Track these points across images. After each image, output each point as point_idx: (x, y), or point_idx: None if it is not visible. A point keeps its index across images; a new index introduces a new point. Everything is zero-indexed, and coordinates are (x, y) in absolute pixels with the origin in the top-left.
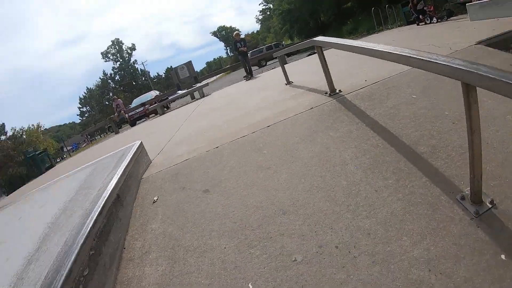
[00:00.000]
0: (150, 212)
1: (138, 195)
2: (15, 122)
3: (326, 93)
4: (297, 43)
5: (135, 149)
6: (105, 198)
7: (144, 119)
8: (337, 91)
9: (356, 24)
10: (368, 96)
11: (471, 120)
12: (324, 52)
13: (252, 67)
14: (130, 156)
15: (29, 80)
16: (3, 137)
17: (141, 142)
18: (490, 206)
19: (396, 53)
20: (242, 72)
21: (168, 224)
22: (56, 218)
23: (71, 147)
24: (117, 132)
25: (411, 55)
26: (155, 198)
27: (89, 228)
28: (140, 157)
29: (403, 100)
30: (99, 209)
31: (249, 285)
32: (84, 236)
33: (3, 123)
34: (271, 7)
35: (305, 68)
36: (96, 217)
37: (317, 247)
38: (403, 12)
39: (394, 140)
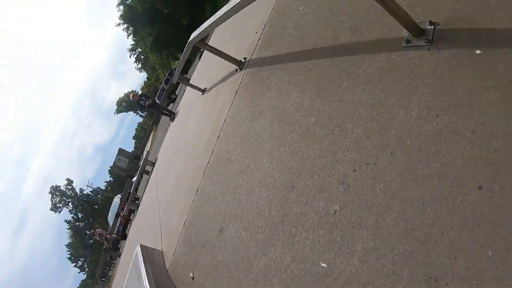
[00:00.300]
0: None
1: (176, 284)
2: None
3: (236, 70)
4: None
5: (141, 256)
6: None
7: (129, 225)
8: (243, 60)
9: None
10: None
11: None
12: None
13: (168, 106)
14: (143, 265)
15: None
16: None
17: (139, 244)
18: (432, 27)
19: None
20: (166, 118)
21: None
22: None
23: None
24: (119, 256)
25: None
26: (191, 275)
27: None
28: (151, 255)
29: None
30: None
31: None
32: None
33: None
34: (140, 50)
35: (206, 67)
36: None
37: None
38: None
39: None
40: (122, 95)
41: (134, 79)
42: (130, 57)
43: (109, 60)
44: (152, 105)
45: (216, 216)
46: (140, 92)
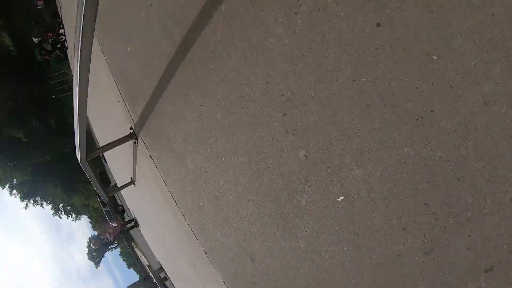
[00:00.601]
0: None
1: None
2: None
3: (135, 142)
4: None
5: None
6: None
7: None
8: (130, 130)
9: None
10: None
11: None
12: None
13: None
14: None
15: None
16: None
17: None
18: None
19: None
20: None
21: None
22: None
23: None
24: None
25: None
26: None
27: None
28: None
29: None
30: None
31: None
32: None
33: None
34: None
35: (115, 162)
36: None
37: None
38: None
39: None
40: (86, 250)
41: (81, 227)
42: (60, 217)
43: (47, 239)
44: (116, 235)
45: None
46: (96, 234)
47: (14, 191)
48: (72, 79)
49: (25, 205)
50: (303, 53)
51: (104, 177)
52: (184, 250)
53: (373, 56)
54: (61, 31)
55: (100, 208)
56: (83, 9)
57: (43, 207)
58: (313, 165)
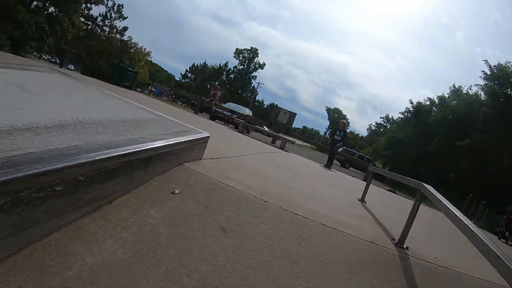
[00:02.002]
0: (161, 198)
1: (166, 175)
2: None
3: (393, 239)
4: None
5: (199, 136)
6: (138, 149)
7: (224, 123)
8: (405, 246)
9: (446, 197)
10: (430, 275)
11: None
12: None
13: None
14: (190, 138)
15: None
16: (118, 36)
17: (209, 136)
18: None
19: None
20: (322, 156)
21: (165, 225)
22: (88, 122)
23: (155, 90)
24: (196, 113)
25: None
26: (177, 191)
27: (98, 158)
28: (196, 147)
29: None
30: (126, 152)
31: None
32: (89, 159)
33: (127, 27)
34: (388, 127)
35: (383, 200)
36: (118, 155)
37: None
38: (492, 217)
39: None
40: (344, 113)
41: (359, 122)
42: (380, 117)
43: None
44: (336, 142)
45: (237, 222)
46: (349, 130)
47: None
48: None
49: None
50: None
51: None
52: None
53: None
54: None
55: None
56: None
57: None
58: None
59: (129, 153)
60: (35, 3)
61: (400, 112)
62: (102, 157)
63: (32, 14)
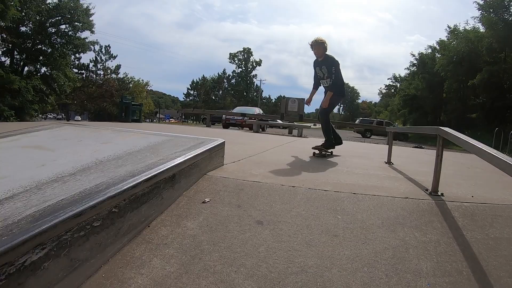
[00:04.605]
0: (194, 209)
1: (193, 188)
2: (127, 69)
3: (427, 190)
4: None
5: (214, 144)
6: (160, 170)
7: (237, 128)
8: (439, 193)
9: (473, 138)
10: (470, 214)
11: None
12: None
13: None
14: (207, 148)
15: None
16: (114, 75)
17: (224, 141)
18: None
19: None
20: (340, 133)
21: (204, 232)
22: (107, 159)
23: (164, 116)
24: (208, 126)
25: None
26: (207, 200)
27: (126, 187)
28: (215, 155)
29: (506, 236)
30: (150, 175)
31: None
32: (118, 190)
33: (120, 65)
34: (398, 86)
35: (410, 157)
36: (141, 181)
37: None
38: None
39: (481, 276)
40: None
41: (365, 90)
42: (388, 79)
43: None
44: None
45: (271, 213)
46: None
47: None
48: None
49: None
50: None
51: None
52: None
53: None
54: None
55: None
56: None
57: None
58: None
59: (152, 176)
60: (26, 68)
61: (405, 68)
62: (129, 185)
63: (27, 80)
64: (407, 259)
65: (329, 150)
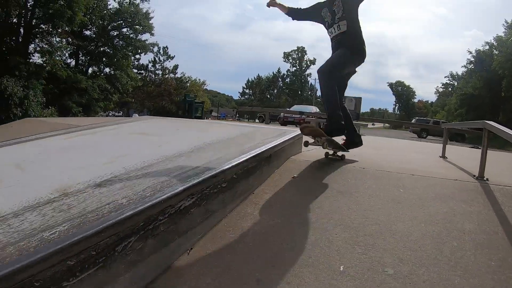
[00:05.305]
0: (287, 181)
1: (281, 167)
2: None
3: (474, 176)
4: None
5: (296, 134)
6: (262, 150)
7: (295, 125)
8: (485, 178)
9: None
10: (510, 194)
11: None
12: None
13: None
14: (291, 136)
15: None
16: (172, 75)
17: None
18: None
19: None
20: (397, 133)
21: (299, 196)
22: (213, 143)
23: (219, 114)
24: (267, 123)
25: None
26: (295, 175)
27: (241, 160)
28: (296, 143)
29: None
30: (256, 153)
31: None
32: (237, 161)
33: (177, 65)
34: (455, 84)
35: (464, 154)
36: (250, 157)
37: None
38: None
39: None
40: (406, 83)
41: (421, 89)
42: (444, 77)
43: None
44: None
45: (346, 185)
46: None
47: None
48: None
49: None
50: None
51: None
52: None
53: None
54: None
55: None
56: None
57: None
58: None
59: (257, 154)
60: (90, 69)
61: (462, 66)
62: (243, 159)
63: (93, 79)
64: (454, 221)
65: (339, 153)
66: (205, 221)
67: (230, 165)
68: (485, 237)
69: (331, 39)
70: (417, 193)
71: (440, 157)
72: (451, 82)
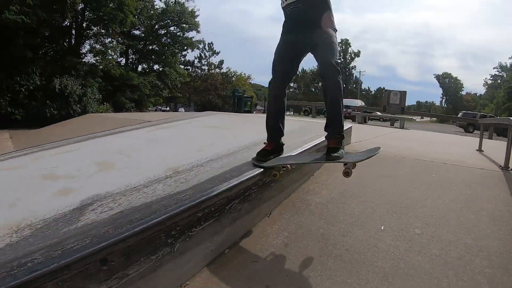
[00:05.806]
0: (339, 168)
1: None
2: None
3: (500, 166)
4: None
5: (347, 127)
6: (321, 140)
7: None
8: (510, 169)
9: None
10: None
11: None
12: None
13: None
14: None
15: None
16: (218, 70)
17: (351, 125)
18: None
19: None
20: (443, 127)
21: (350, 180)
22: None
23: (263, 108)
24: (313, 116)
25: None
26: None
27: (311, 145)
28: (347, 135)
29: None
30: (315, 143)
31: None
32: (309, 146)
33: (223, 60)
34: (504, 76)
35: (501, 149)
36: (313, 145)
37: None
38: None
39: None
40: (454, 75)
41: (469, 81)
42: (493, 68)
43: None
44: None
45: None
46: None
47: None
48: None
49: None
50: None
51: None
52: None
53: None
54: None
55: None
56: None
57: None
58: None
59: (317, 143)
60: (140, 66)
61: (510, 57)
62: (311, 145)
63: (144, 76)
64: (476, 201)
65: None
66: (281, 194)
67: (305, 148)
68: (500, 214)
69: (284, 8)
70: (446, 178)
71: (477, 150)
72: (500, 74)
